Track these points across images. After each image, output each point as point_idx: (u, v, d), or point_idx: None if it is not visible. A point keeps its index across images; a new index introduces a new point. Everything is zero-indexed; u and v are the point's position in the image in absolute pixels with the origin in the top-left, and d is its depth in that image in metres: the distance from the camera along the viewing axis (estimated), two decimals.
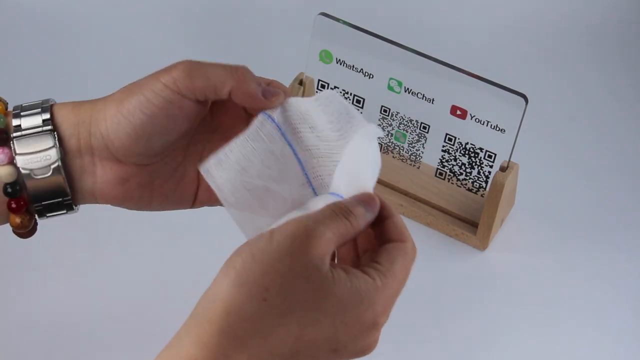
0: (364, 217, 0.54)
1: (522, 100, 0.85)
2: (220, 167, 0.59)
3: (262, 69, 1.14)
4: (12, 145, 0.59)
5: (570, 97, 1.10)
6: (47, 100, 0.61)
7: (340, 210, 0.53)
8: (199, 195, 0.64)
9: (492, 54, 1.13)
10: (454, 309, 0.88)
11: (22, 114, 0.60)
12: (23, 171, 0.59)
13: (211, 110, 0.63)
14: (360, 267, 0.53)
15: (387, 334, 0.86)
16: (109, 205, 0.64)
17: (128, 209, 0.63)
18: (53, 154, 0.59)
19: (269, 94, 0.60)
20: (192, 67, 0.58)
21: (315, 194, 0.60)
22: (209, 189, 0.60)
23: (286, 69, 0.96)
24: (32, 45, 1.12)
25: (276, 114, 0.60)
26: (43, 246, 0.82)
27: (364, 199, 0.55)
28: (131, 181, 0.61)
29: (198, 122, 0.62)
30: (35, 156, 0.59)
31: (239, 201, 0.59)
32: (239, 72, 0.59)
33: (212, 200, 0.63)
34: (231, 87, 0.58)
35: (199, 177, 0.63)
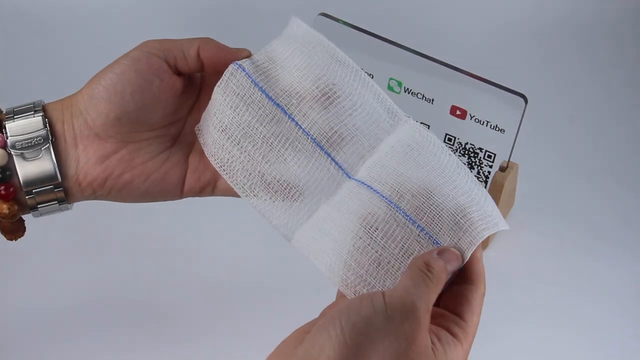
0: (448, 274, 0.55)
1: (521, 100, 0.85)
2: (205, 124, 0.62)
3: None
4: (4, 131, 0.60)
5: (569, 98, 1.10)
6: (37, 101, 0.63)
7: (432, 278, 0.53)
8: (188, 179, 0.64)
9: (492, 54, 1.13)
10: None
11: (15, 109, 0.61)
12: (14, 153, 0.59)
13: (204, 103, 0.65)
14: (445, 322, 0.54)
15: None
16: (102, 207, 0.64)
17: (111, 198, 0.63)
18: (43, 136, 0.60)
19: (236, 48, 0.63)
20: (163, 39, 0.62)
21: (307, 134, 0.61)
22: (197, 172, 0.63)
23: None
24: (25, 45, 1.13)
25: (247, 63, 0.62)
26: (37, 246, 0.82)
27: (449, 258, 0.55)
28: (111, 158, 0.61)
29: (180, 101, 0.63)
30: (27, 138, 0.60)
31: (224, 153, 0.61)
32: (204, 37, 0.62)
33: (201, 184, 0.64)
34: (198, 45, 0.61)
35: (187, 162, 0.64)
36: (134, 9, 1.16)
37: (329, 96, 0.61)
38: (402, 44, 0.89)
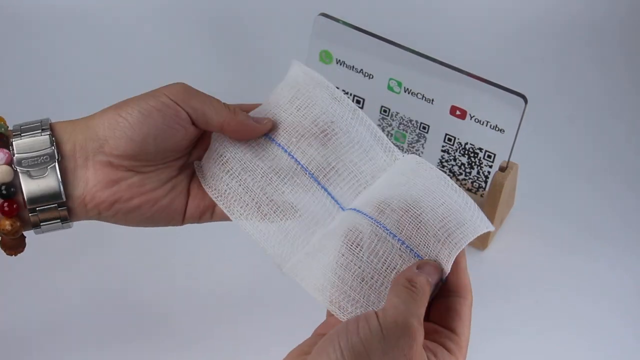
0: (432, 287, 0.56)
1: (521, 100, 0.85)
2: (205, 159, 0.65)
3: (262, 69, 1.15)
4: (11, 148, 0.60)
5: (569, 98, 1.10)
6: (45, 119, 0.63)
7: (418, 292, 0.55)
8: (189, 206, 0.65)
9: (491, 54, 1.13)
10: None
11: (22, 127, 0.62)
12: (21, 172, 0.59)
13: (208, 136, 0.67)
14: (439, 338, 0.56)
15: None
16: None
17: (115, 220, 0.64)
18: (50, 155, 0.60)
19: (259, 120, 0.64)
20: (190, 88, 0.63)
21: (305, 169, 0.63)
22: (197, 198, 0.65)
23: (286, 69, 0.96)
24: (25, 47, 1.13)
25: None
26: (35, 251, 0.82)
27: (430, 271, 0.57)
28: (121, 183, 0.62)
29: (193, 143, 0.65)
30: (33, 156, 0.60)
31: (222, 185, 0.64)
32: (232, 107, 0.63)
33: (200, 210, 0.66)
34: (224, 120, 0.63)
35: (188, 191, 0.66)
36: (135, 9, 1.16)
37: (327, 133, 0.64)
38: (402, 44, 0.89)
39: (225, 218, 0.66)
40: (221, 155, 0.64)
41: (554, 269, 0.92)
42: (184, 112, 0.62)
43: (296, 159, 0.63)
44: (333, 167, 0.63)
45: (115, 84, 1.08)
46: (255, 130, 0.64)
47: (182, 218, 0.66)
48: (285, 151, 0.64)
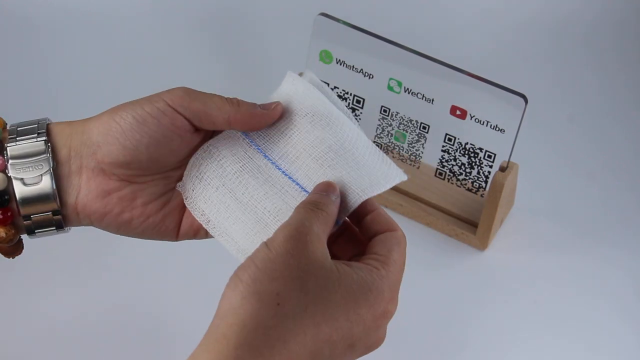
0: (333, 203, 0.56)
1: (521, 100, 0.85)
2: (189, 179, 0.62)
3: (262, 69, 1.15)
4: (5, 154, 0.59)
5: (569, 97, 1.10)
6: (43, 119, 0.61)
7: (311, 205, 0.55)
8: (183, 225, 0.63)
9: (492, 54, 1.13)
10: (453, 309, 0.88)
11: (18, 129, 0.60)
12: (14, 179, 0.58)
13: None
14: (361, 260, 0.55)
15: (386, 333, 0.86)
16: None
17: (108, 230, 0.62)
18: (45, 162, 0.58)
19: (267, 106, 0.61)
20: (192, 91, 0.60)
21: (286, 174, 0.61)
22: (191, 215, 0.62)
23: (286, 69, 0.95)
24: (24, 48, 1.13)
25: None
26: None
27: (323, 189, 0.57)
28: (113, 195, 0.60)
29: (192, 153, 0.62)
30: (28, 162, 0.58)
31: (209, 205, 0.61)
32: (235, 100, 0.61)
33: (195, 231, 0.63)
34: (229, 115, 0.60)
35: (183, 207, 0.63)
36: (135, 10, 1.16)
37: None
38: (402, 44, 0.89)
39: None
40: (200, 172, 0.62)
41: (553, 269, 0.92)
42: (181, 119, 0.59)
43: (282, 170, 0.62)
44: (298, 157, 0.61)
45: (116, 84, 1.08)
46: (265, 118, 0.61)
47: (175, 234, 0.63)
48: (277, 167, 0.62)
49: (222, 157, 0.62)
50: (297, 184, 0.61)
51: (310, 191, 0.60)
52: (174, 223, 0.62)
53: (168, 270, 0.89)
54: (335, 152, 0.60)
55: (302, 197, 0.60)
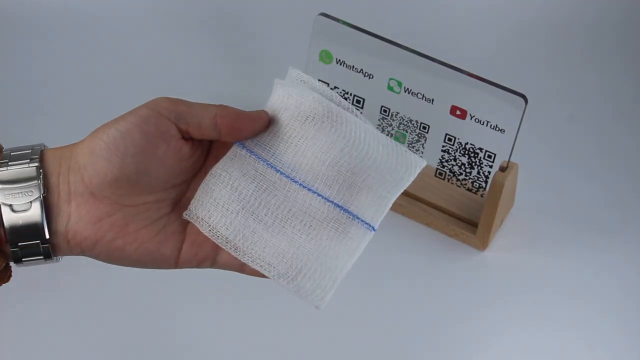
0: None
1: (521, 100, 0.85)
2: (202, 206, 0.59)
3: (262, 69, 1.15)
4: None
5: (569, 97, 1.10)
6: (38, 145, 0.59)
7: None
8: (183, 252, 0.60)
9: (491, 54, 1.13)
10: (453, 309, 0.88)
11: (11, 154, 0.58)
12: (3, 204, 0.56)
13: (211, 166, 0.61)
14: None
15: (387, 333, 0.86)
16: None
17: (100, 259, 0.59)
18: (35, 188, 0.56)
19: (254, 112, 0.59)
20: (177, 98, 0.58)
21: (304, 185, 0.59)
22: (195, 245, 0.59)
23: (286, 69, 0.96)
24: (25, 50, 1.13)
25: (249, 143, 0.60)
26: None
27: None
28: (104, 221, 0.57)
29: (184, 168, 0.60)
30: (17, 188, 0.56)
31: (232, 232, 0.59)
32: (221, 104, 0.59)
33: (198, 258, 0.60)
34: (215, 113, 0.58)
35: (184, 232, 0.60)
36: (135, 10, 1.16)
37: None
38: (402, 44, 0.89)
39: (227, 267, 0.60)
40: (214, 198, 0.59)
41: (553, 269, 0.92)
42: (166, 123, 0.57)
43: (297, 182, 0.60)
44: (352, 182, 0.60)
45: (116, 84, 1.08)
46: (253, 119, 0.59)
47: (174, 262, 0.60)
48: (292, 180, 0.60)
49: (234, 179, 0.59)
50: (318, 194, 0.59)
51: (333, 200, 0.58)
52: (171, 250, 0.59)
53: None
54: (349, 155, 0.58)
55: (326, 207, 0.58)
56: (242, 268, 0.59)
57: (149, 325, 0.86)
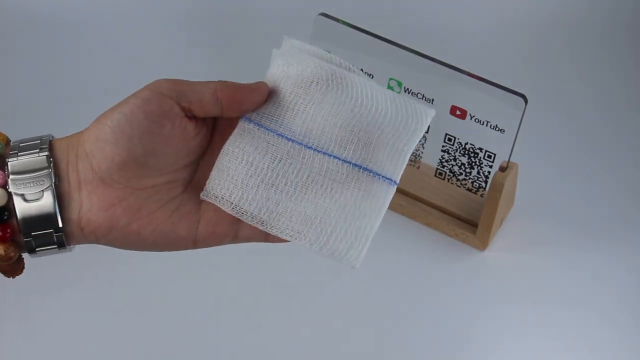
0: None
1: (521, 100, 0.85)
2: (220, 185, 0.59)
3: (262, 69, 1.15)
4: (6, 169, 0.57)
5: (569, 98, 1.10)
6: (46, 136, 0.60)
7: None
8: (200, 231, 0.59)
9: (492, 54, 1.13)
10: (453, 309, 0.88)
11: (20, 145, 0.58)
12: (15, 194, 0.56)
13: (217, 145, 0.62)
14: None
15: (387, 333, 0.86)
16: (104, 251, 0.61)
17: (115, 245, 0.59)
18: (46, 177, 0.57)
19: (253, 84, 0.60)
20: (176, 79, 0.59)
21: (319, 150, 0.59)
22: (211, 223, 0.59)
23: None
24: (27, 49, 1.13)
25: (254, 116, 0.60)
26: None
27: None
28: (117, 206, 0.57)
29: (192, 147, 0.60)
30: (28, 178, 0.57)
31: (256, 207, 0.58)
32: (220, 80, 0.60)
33: (217, 236, 0.60)
34: (216, 88, 0.59)
35: (198, 212, 0.60)
36: (135, 10, 1.16)
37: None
38: (402, 44, 0.89)
39: (250, 240, 0.60)
40: (231, 175, 0.59)
41: (553, 269, 0.92)
42: (169, 102, 0.57)
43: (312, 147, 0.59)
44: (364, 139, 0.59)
45: (116, 85, 1.08)
46: (253, 90, 0.59)
47: (192, 242, 0.60)
48: (307, 147, 0.59)
49: (247, 154, 0.59)
50: (335, 156, 0.58)
51: (350, 160, 0.58)
52: (187, 230, 0.59)
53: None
54: (360, 114, 0.58)
55: (345, 168, 0.58)
56: (266, 237, 0.59)
57: (151, 325, 0.86)
